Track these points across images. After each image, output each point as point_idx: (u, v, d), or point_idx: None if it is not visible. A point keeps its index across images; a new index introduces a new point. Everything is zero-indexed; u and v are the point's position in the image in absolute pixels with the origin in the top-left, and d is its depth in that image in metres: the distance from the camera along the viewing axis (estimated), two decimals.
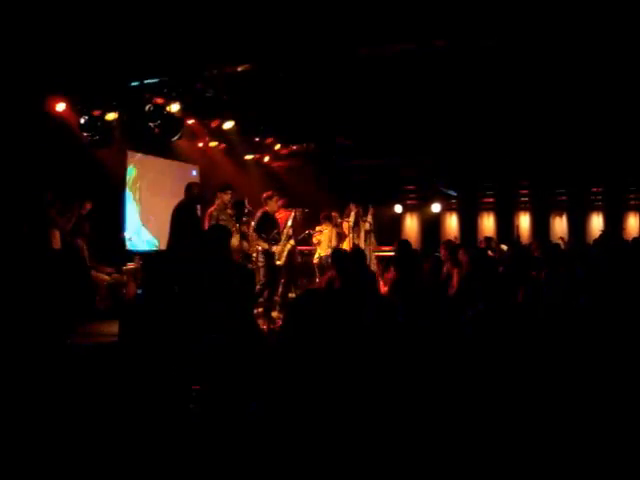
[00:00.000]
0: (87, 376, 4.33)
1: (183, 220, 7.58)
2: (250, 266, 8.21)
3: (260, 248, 8.65)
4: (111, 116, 8.89)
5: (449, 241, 8.81)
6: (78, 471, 2.75)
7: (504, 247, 10.98)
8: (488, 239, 11.49)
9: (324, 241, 10.25)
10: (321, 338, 2.12)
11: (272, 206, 8.90)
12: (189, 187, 7.83)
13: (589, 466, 2.66)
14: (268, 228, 8.72)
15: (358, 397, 2.27)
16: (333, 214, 10.64)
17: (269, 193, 9.02)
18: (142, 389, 2.74)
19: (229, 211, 8.34)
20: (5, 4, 6.14)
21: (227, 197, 8.28)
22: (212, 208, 8.27)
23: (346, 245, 10.56)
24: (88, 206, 8.75)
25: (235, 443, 2.30)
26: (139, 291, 9.04)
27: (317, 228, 10.43)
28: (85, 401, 3.51)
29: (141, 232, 11.26)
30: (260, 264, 8.78)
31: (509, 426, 2.85)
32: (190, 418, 2.61)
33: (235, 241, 8.11)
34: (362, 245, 10.53)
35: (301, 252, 10.86)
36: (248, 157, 12.57)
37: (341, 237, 10.50)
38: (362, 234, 10.96)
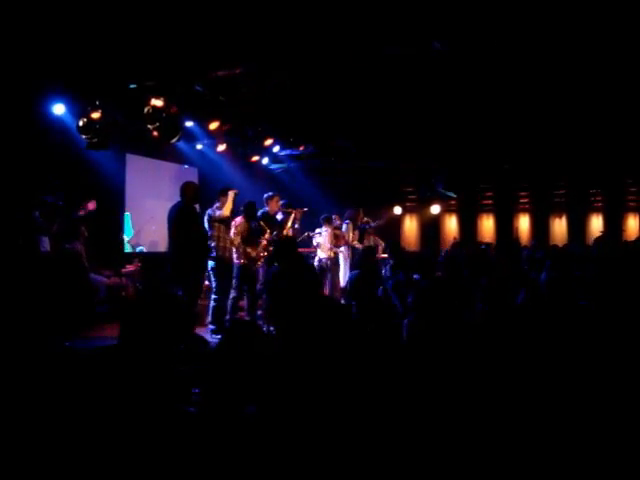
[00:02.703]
0: (86, 379, 4.31)
1: (186, 222, 7.49)
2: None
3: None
4: (109, 118, 8.87)
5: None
6: (77, 473, 2.73)
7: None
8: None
9: (324, 243, 10.23)
10: (320, 342, 2.11)
11: (272, 207, 8.88)
12: (185, 188, 7.71)
13: (589, 469, 2.65)
14: (269, 229, 8.69)
15: (358, 401, 2.26)
16: (333, 216, 10.64)
17: (270, 194, 9.01)
18: (141, 390, 2.73)
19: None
20: (3, 7, 6.13)
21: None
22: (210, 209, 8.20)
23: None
24: (91, 206, 8.52)
25: (232, 446, 2.29)
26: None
27: (317, 230, 10.41)
28: (84, 404, 3.49)
29: (140, 235, 11.26)
30: (259, 265, 8.77)
31: (507, 429, 2.84)
32: (187, 420, 2.59)
33: (236, 241, 8.08)
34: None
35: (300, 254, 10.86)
36: (247, 159, 12.57)
37: (339, 239, 10.48)
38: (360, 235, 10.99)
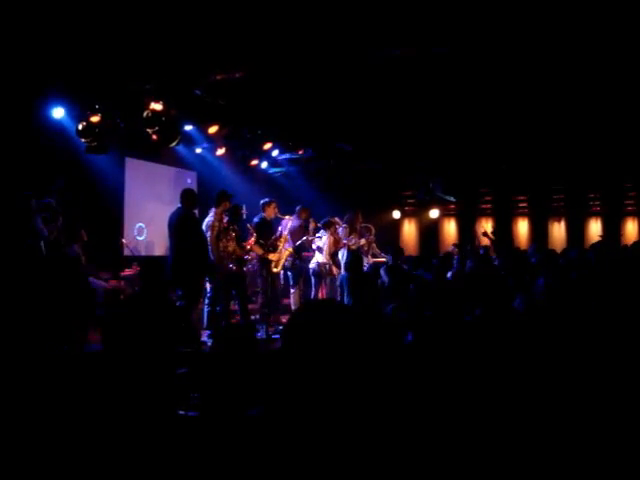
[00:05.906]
0: (84, 383, 4.31)
1: (187, 228, 7.53)
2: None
3: (256, 254, 8.66)
4: (108, 122, 8.88)
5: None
6: (75, 476, 2.74)
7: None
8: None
9: (324, 247, 10.21)
10: (320, 347, 2.11)
11: (270, 212, 8.90)
12: (185, 194, 7.76)
13: (586, 470, 2.65)
14: (265, 235, 8.69)
15: (359, 405, 2.26)
16: (332, 220, 10.62)
17: (267, 200, 9.02)
18: (132, 395, 2.73)
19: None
20: (3, 10, 6.14)
21: (227, 205, 8.20)
22: (209, 217, 8.16)
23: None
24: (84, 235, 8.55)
25: (234, 449, 2.28)
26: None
27: (317, 234, 10.39)
28: (82, 407, 3.50)
29: (138, 238, 11.27)
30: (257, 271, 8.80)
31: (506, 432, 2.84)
32: (182, 424, 2.59)
33: (230, 247, 8.08)
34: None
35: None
36: (246, 163, 12.56)
37: (339, 243, 10.47)
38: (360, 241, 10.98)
